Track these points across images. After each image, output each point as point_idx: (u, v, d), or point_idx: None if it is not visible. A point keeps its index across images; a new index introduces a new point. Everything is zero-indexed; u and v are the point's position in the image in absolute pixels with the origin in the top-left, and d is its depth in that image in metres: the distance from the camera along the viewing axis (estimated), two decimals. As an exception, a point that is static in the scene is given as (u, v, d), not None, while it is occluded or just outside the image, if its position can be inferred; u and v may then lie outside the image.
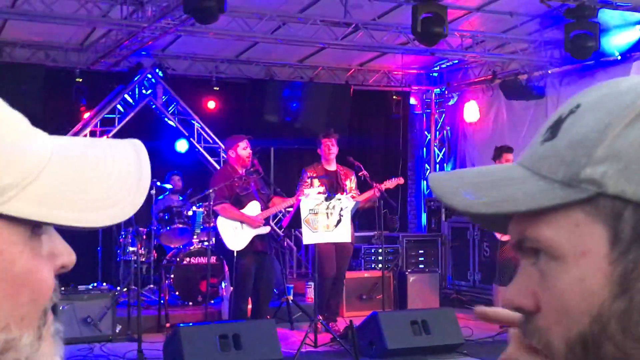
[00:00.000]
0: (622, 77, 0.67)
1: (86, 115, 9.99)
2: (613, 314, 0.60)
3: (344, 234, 7.06)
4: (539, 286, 0.65)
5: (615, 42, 9.02)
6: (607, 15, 8.50)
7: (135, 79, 10.01)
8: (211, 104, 10.61)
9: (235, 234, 7.22)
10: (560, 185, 0.63)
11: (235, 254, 7.14)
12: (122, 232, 8.88)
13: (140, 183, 0.68)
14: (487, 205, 0.65)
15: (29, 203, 0.62)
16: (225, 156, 8.86)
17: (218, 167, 9.83)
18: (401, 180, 8.29)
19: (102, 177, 0.67)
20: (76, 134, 9.79)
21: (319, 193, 7.19)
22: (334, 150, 7.86)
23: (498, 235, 8.39)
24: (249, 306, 7.45)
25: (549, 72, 10.13)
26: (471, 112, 11.45)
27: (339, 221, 7.00)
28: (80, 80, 9.82)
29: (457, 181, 0.69)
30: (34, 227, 0.64)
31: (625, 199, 0.60)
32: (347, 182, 7.92)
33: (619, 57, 8.93)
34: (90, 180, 0.66)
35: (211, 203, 7.28)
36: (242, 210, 7.29)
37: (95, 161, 0.68)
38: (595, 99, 0.66)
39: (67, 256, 0.69)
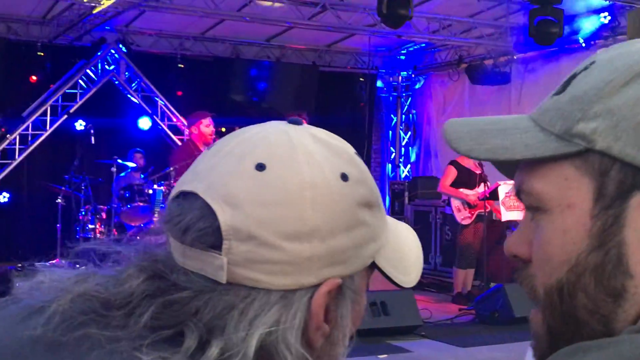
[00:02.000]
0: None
1: (42, 87, 9.81)
2: (588, 266, 0.63)
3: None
4: (533, 236, 0.68)
5: (580, 28, 9.09)
6: (572, 2, 8.56)
7: (98, 54, 9.86)
8: (177, 88, 10.48)
9: None
10: (556, 138, 0.65)
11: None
12: (82, 209, 8.77)
13: (421, 260, 0.88)
14: (487, 151, 0.68)
15: (385, 260, 0.81)
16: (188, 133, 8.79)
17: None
18: None
19: (409, 249, 0.86)
20: (36, 108, 9.63)
21: None
22: None
23: (459, 219, 8.47)
24: None
25: (514, 57, 10.19)
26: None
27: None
28: (42, 54, 9.64)
29: (468, 127, 0.71)
30: (370, 276, 0.82)
31: (612, 156, 0.62)
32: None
33: (583, 44, 9.01)
34: (404, 251, 0.85)
35: (172, 181, 7.22)
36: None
37: (401, 233, 0.87)
38: (608, 57, 0.67)
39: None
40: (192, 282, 0.74)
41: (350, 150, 0.82)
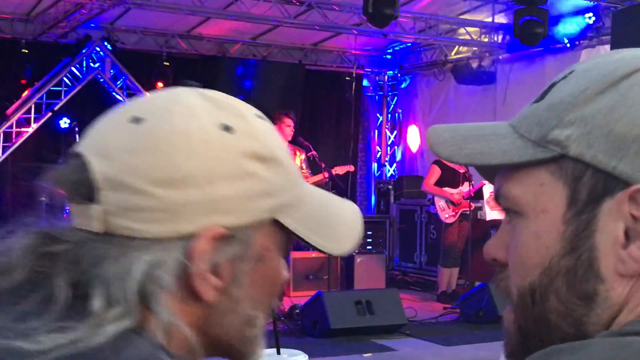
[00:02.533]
0: (626, 49, 0.70)
1: (32, 87, 9.75)
2: (560, 270, 0.65)
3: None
4: (510, 239, 0.70)
5: (565, 29, 9.14)
6: (558, 3, 8.61)
7: (83, 51, 9.80)
8: (160, 85, 10.42)
9: None
10: (532, 145, 0.66)
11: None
12: (67, 207, 8.72)
13: (358, 229, 0.87)
14: (467, 156, 0.71)
15: (295, 221, 0.80)
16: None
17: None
18: (351, 168, 8.32)
19: (338, 217, 0.86)
20: (20, 105, 9.57)
21: None
22: (293, 131, 7.80)
23: (443, 218, 8.50)
24: None
25: (500, 57, 10.23)
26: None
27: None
28: (27, 51, 9.57)
29: (450, 133, 0.73)
30: (285, 240, 0.81)
31: (585, 163, 0.63)
32: (296, 161, 7.89)
33: (568, 44, 9.06)
34: (331, 218, 0.85)
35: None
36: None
37: (333, 203, 0.87)
38: (585, 67, 0.69)
39: (286, 274, 0.85)
40: (73, 236, 0.74)
41: (244, 108, 0.82)
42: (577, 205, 0.64)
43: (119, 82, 10.27)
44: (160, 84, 10.02)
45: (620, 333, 0.59)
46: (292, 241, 0.83)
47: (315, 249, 0.83)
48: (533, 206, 0.67)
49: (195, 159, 0.74)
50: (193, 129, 0.75)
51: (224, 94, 0.83)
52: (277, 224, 0.79)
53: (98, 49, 10.01)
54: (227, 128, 0.77)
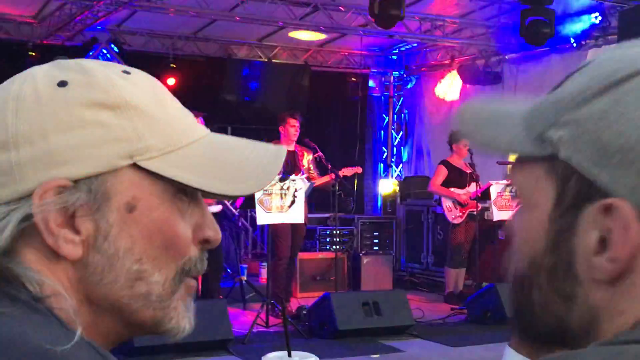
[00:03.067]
0: (634, 41, 0.68)
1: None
2: (543, 266, 0.66)
3: (297, 214, 7.05)
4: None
5: (571, 29, 9.12)
6: (564, 2, 8.59)
7: (90, 53, 9.82)
8: (170, 81, 10.44)
9: None
10: (533, 140, 0.67)
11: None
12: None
13: (267, 170, 0.82)
14: (480, 141, 0.72)
15: (171, 166, 0.76)
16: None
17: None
18: (359, 170, 8.29)
19: (240, 160, 0.81)
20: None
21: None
22: (298, 131, 7.81)
23: (450, 219, 8.49)
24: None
25: (506, 57, 10.22)
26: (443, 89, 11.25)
27: (292, 202, 6.98)
28: (33, 54, 9.61)
29: (476, 113, 0.74)
30: (179, 191, 0.77)
31: (572, 167, 0.64)
32: (304, 162, 7.90)
33: (575, 44, 9.04)
34: (230, 160, 0.81)
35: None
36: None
37: (237, 147, 0.83)
38: (596, 61, 0.68)
39: (213, 233, 0.81)
40: None
41: (92, 64, 0.78)
42: (562, 207, 0.65)
43: (125, 84, 10.29)
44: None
45: (612, 342, 0.60)
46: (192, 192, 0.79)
47: (203, 192, 0.79)
48: (528, 199, 0.69)
49: (24, 118, 0.73)
50: (25, 91, 0.74)
51: (96, 61, 0.80)
52: (147, 171, 0.76)
53: (105, 51, 10.03)
54: (62, 83, 0.75)
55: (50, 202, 0.72)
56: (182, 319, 0.80)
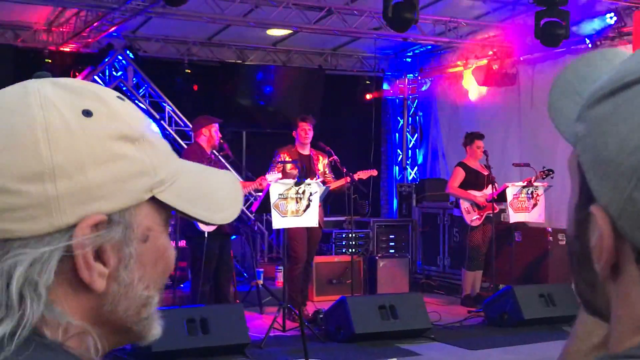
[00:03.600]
0: None
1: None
2: (574, 252, 0.68)
3: (312, 218, 7.06)
4: None
5: (586, 29, 9.08)
6: (578, 3, 8.55)
7: (106, 60, 9.90)
8: (184, 93, 10.48)
9: None
10: (573, 123, 0.67)
11: (205, 235, 7.11)
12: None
13: (238, 198, 0.87)
14: (551, 109, 0.71)
15: (176, 197, 0.80)
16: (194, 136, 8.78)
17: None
18: (374, 172, 8.27)
19: (215, 189, 0.85)
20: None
21: (282, 178, 7.20)
22: (310, 134, 7.83)
23: (468, 221, 8.47)
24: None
25: (521, 58, 10.18)
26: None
27: (307, 206, 6.99)
28: (50, 61, 9.68)
29: (571, 77, 0.72)
30: (167, 217, 0.81)
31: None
32: (319, 166, 7.91)
33: (590, 45, 8.99)
34: (210, 190, 0.84)
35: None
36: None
37: (210, 176, 0.87)
38: (625, 59, 0.67)
39: (173, 250, 0.85)
40: None
41: (101, 91, 0.79)
42: (581, 199, 0.66)
43: (141, 90, 10.36)
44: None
45: (618, 356, 0.60)
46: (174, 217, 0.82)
47: (197, 220, 0.82)
48: (572, 182, 0.69)
49: (60, 149, 0.72)
50: (53, 119, 0.73)
51: (78, 80, 0.80)
52: (156, 201, 0.78)
53: (120, 57, 10.10)
54: (87, 113, 0.74)
55: (92, 238, 0.73)
56: (159, 326, 0.84)
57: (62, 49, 9.70)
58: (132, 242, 0.77)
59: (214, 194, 0.85)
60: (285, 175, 7.48)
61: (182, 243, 7.66)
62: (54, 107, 0.74)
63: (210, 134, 7.32)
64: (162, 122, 10.35)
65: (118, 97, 0.80)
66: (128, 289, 0.77)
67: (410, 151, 12.52)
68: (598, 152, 0.62)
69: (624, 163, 0.60)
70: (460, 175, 8.51)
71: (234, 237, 8.40)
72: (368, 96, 11.72)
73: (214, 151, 7.44)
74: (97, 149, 0.74)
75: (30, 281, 0.70)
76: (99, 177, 0.73)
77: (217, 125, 7.37)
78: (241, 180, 7.69)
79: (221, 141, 7.40)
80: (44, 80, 0.77)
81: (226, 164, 8.28)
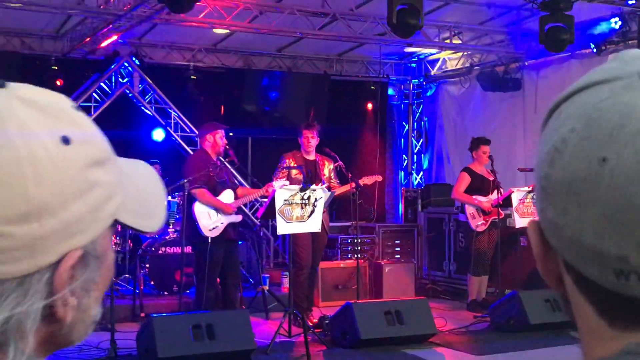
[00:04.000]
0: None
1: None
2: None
3: (316, 224, 7.06)
4: None
5: (591, 34, 9.08)
6: (583, 8, 8.55)
7: (112, 67, 9.94)
8: (190, 100, 10.51)
9: (210, 221, 7.21)
10: None
11: (209, 241, 7.13)
12: (98, 221, 8.82)
13: (163, 202, 0.84)
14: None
15: (131, 216, 0.77)
16: (200, 142, 8.79)
17: (195, 157, 9.77)
18: (379, 178, 8.26)
19: (148, 193, 0.82)
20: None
21: (290, 183, 7.22)
22: (313, 142, 7.84)
23: (473, 226, 8.46)
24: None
25: (526, 63, 10.19)
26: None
27: (312, 212, 7.00)
28: (56, 68, 9.73)
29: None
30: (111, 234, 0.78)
31: None
32: (325, 171, 7.92)
33: (595, 49, 8.99)
34: (143, 194, 0.81)
35: (186, 192, 7.25)
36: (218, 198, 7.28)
37: (142, 178, 0.83)
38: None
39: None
40: None
41: (67, 105, 0.74)
42: None
43: (147, 97, 10.40)
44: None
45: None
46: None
47: (140, 232, 0.79)
48: None
49: (45, 184, 0.68)
50: (36, 151, 0.68)
51: (37, 89, 0.74)
52: (113, 222, 0.75)
53: (126, 64, 10.14)
54: (65, 140, 0.70)
55: (72, 278, 0.71)
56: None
57: (68, 56, 9.75)
58: (98, 270, 0.74)
59: (148, 199, 0.81)
60: (290, 181, 7.50)
61: (188, 249, 7.68)
62: (34, 136, 0.68)
63: (214, 141, 7.34)
64: (168, 128, 10.38)
65: (73, 107, 0.75)
66: (86, 314, 0.75)
67: (415, 156, 12.53)
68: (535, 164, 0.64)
69: (537, 175, 0.63)
70: (465, 180, 8.51)
71: (241, 242, 8.41)
72: (369, 106, 11.75)
73: (220, 157, 7.46)
74: (76, 180, 0.70)
75: (11, 327, 0.67)
76: (79, 210, 0.70)
77: (222, 132, 7.39)
78: (247, 186, 7.70)
79: (226, 147, 7.41)
80: (9, 95, 0.70)
81: (232, 169, 8.30)
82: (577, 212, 0.59)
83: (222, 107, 10.68)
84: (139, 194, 0.80)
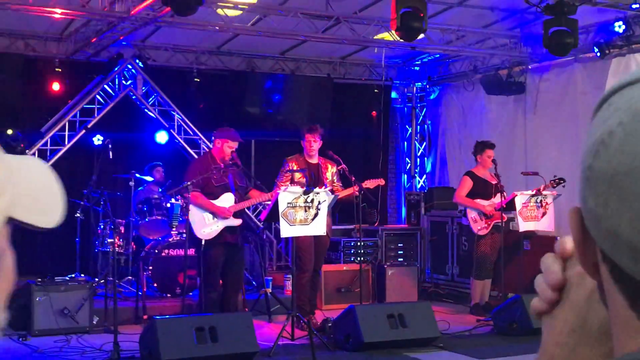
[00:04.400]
0: None
1: (65, 105, 9.92)
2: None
3: (319, 227, 7.07)
4: None
5: (595, 38, 9.08)
6: (587, 12, 8.54)
7: (115, 69, 9.95)
8: (193, 102, 10.52)
9: (205, 224, 7.22)
10: None
11: (203, 243, 7.15)
12: (101, 223, 8.84)
13: (59, 196, 0.81)
14: None
15: (26, 211, 0.75)
16: (205, 146, 8.83)
17: (198, 159, 9.78)
18: (382, 182, 8.25)
19: (42, 188, 0.79)
20: (54, 124, 9.73)
21: (295, 184, 7.23)
22: (316, 146, 7.85)
23: (475, 230, 8.46)
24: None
25: (529, 67, 10.18)
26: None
27: (315, 215, 7.00)
28: (60, 70, 9.74)
29: None
30: (9, 231, 0.76)
31: None
32: (328, 175, 7.92)
33: (598, 54, 8.99)
34: (37, 191, 0.78)
35: (189, 195, 7.26)
36: (214, 202, 7.29)
37: (34, 174, 0.80)
38: None
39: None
40: None
41: None
42: None
43: (150, 99, 10.41)
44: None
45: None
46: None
47: (38, 228, 0.77)
48: None
49: None
50: None
51: None
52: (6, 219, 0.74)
53: (130, 66, 10.15)
54: None
55: None
56: None
57: (72, 58, 9.76)
58: None
59: (43, 195, 0.80)
60: (293, 184, 7.50)
61: (191, 251, 7.69)
62: None
63: (221, 147, 7.37)
64: (171, 131, 10.38)
65: None
66: None
67: (418, 159, 12.52)
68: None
69: (582, 165, 0.63)
70: (467, 184, 8.50)
71: (246, 244, 8.42)
72: (372, 109, 11.77)
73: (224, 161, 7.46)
74: None
75: None
76: None
77: (232, 143, 7.38)
78: (255, 190, 7.69)
79: (233, 154, 7.42)
80: None
81: (236, 172, 8.28)
82: (617, 206, 0.59)
83: (225, 110, 10.68)
84: (32, 189, 0.78)
